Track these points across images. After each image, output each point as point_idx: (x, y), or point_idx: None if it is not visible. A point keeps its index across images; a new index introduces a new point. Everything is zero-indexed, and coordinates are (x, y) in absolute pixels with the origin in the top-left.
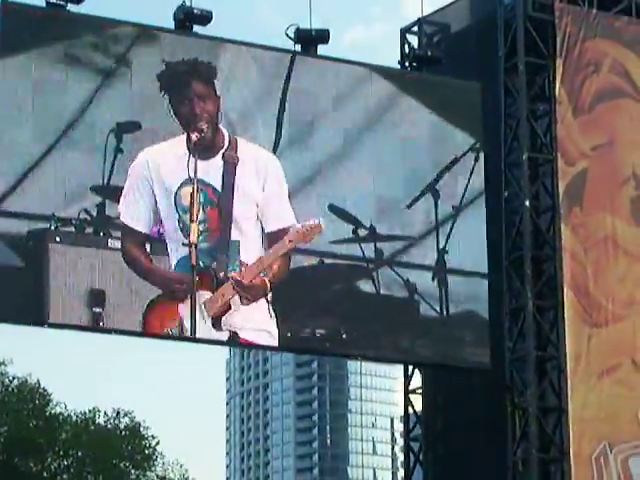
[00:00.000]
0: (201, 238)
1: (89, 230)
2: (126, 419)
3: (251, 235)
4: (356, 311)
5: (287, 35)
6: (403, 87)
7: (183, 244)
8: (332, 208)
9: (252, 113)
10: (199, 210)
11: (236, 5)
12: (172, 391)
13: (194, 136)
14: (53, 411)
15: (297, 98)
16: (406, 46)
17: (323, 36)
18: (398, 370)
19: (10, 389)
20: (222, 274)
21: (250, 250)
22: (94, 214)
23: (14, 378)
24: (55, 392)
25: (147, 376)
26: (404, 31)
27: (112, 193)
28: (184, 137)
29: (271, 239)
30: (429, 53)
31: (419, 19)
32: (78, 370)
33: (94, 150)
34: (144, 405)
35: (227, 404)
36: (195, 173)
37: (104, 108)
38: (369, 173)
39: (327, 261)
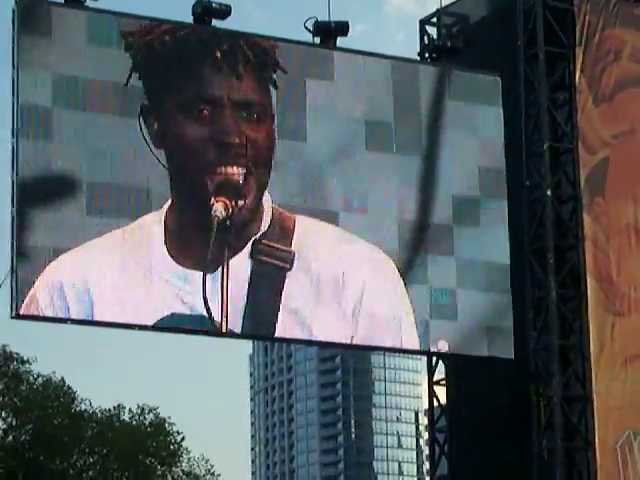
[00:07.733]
0: None
1: None
2: (151, 415)
3: None
4: None
5: (306, 28)
6: None
7: None
8: None
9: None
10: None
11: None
12: (197, 387)
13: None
14: (78, 409)
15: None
16: (425, 37)
17: (342, 28)
18: (422, 363)
19: (35, 387)
20: None
21: None
22: None
23: (38, 376)
24: (79, 389)
25: (171, 372)
26: (423, 22)
27: None
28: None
29: None
30: (448, 44)
31: (438, 10)
32: (102, 367)
33: None
34: (169, 401)
35: (252, 400)
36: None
37: None
38: None
39: None
